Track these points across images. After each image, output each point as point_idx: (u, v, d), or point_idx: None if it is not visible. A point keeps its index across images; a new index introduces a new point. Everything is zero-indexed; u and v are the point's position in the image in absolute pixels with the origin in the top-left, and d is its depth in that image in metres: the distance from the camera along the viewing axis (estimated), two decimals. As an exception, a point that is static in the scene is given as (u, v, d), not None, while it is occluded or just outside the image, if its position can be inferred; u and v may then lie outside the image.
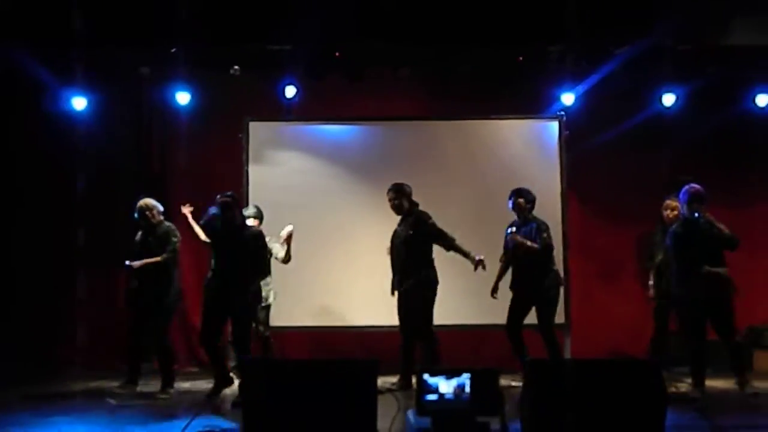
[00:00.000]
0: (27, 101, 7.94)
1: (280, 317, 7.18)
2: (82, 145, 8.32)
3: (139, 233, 6.64)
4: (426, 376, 4.29)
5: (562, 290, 7.04)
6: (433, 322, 6.64)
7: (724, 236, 6.16)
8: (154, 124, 8.71)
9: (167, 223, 6.62)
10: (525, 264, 6.80)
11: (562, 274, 7.22)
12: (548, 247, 6.79)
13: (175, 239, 6.50)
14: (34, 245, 8.16)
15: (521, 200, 6.87)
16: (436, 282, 6.69)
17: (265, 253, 6.51)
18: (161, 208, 6.66)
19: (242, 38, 7.69)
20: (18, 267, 8.01)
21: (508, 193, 6.98)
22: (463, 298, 7.47)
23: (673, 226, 6.48)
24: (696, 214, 6.15)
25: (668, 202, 7.07)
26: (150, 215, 6.54)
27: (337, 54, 7.93)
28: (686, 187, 6.29)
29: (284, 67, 7.86)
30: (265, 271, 6.58)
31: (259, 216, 7.04)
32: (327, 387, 4.24)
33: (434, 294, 6.66)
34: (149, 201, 6.62)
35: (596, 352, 7.90)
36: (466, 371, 4.29)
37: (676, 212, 6.84)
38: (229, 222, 6.28)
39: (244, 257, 6.24)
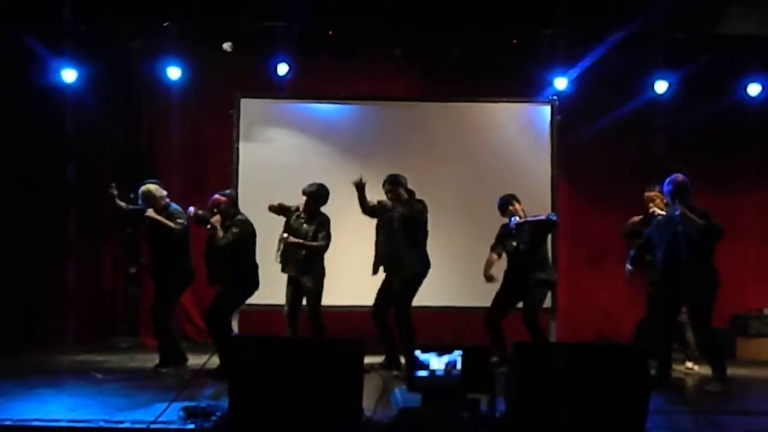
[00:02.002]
0: (16, 72, 7.86)
1: (267, 296, 7.15)
2: (70, 117, 8.27)
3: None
4: (417, 353, 4.31)
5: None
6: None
7: (700, 228, 5.76)
8: (143, 99, 8.66)
9: (174, 206, 6.49)
10: (523, 262, 6.74)
11: (549, 258, 7.24)
12: (555, 223, 6.86)
13: (180, 220, 6.39)
14: (21, 218, 8.12)
15: (519, 205, 6.81)
16: (425, 272, 6.71)
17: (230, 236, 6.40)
18: (164, 192, 6.50)
19: (235, 14, 7.64)
20: (4, 240, 7.97)
21: (498, 177, 7.00)
22: (450, 280, 7.49)
23: (658, 218, 6.22)
24: (676, 212, 5.86)
25: (648, 194, 6.71)
26: (153, 202, 6.41)
27: (330, 32, 7.89)
28: (670, 177, 6.01)
29: (277, 44, 7.81)
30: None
31: (310, 194, 6.70)
32: (313, 365, 4.25)
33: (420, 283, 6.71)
34: (151, 188, 6.46)
35: (581, 336, 7.96)
36: (458, 348, 4.31)
37: (658, 201, 6.51)
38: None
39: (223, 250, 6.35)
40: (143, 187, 6.49)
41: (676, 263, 5.92)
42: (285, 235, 6.66)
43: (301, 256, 6.65)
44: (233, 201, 6.59)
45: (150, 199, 6.43)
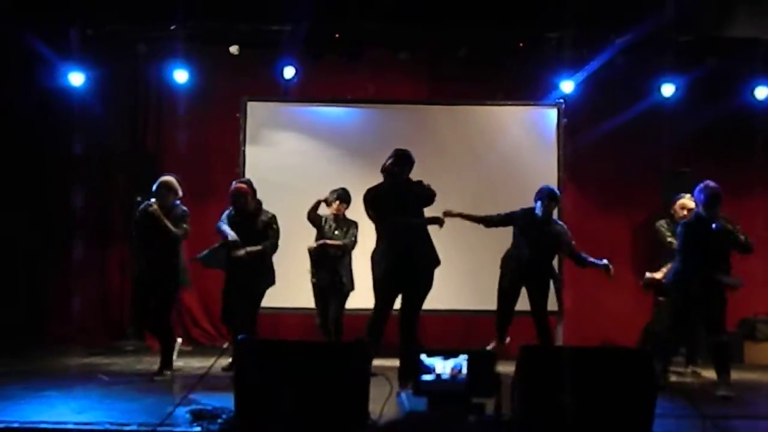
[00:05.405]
0: (23, 75, 7.89)
1: (275, 299, 7.17)
2: (77, 120, 8.30)
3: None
4: (423, 357, 4.30)
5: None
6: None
7: (740, 243, 5.96)
8: (150, 102, 8.69)
9: (183, 207, 6.45)
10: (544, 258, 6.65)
11: (556, 262, 7.26)
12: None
13: (185, 224, 6.35)
14: (28, 221, 8.14)
15: (554, 204, 6.65)
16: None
17: (275, 237, 6.49)
18: (180, 192, 6.44)
19: (242, 17, 7.65)
20: (11, 243, 7.99)
21: (505, 180, 6.98)
22: (456, 283, 7.48)
23: (687, 219, 6.28)
24: (714, 225, 5.86)
25: (684, 201, 6.79)
26: (165, 196, 6.31)
27: (336, 35, 7.90)
28: (702, 185, 6.00)
29: (283, 47, 7.83)
30: (269, 246, 6.50)
31: (344, 198, 6.88)
32: (320, 368, 4.24)
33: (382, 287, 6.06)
34: (168, 180, 6.39)
35: (587, 339, 7.94)
36: (464, 353, 4.30)
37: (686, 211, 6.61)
38: (240, 208, 6.38)
39: (254, 242, 6.37)
40: (162, 178, 6.42)
41: (701, 271, 5.95)
42: (323, 241, 6.78)
43: (340, 262, 6.78)
44: (254, 189, 6.56)
45: (164, 189, 6.31)
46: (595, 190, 8.47)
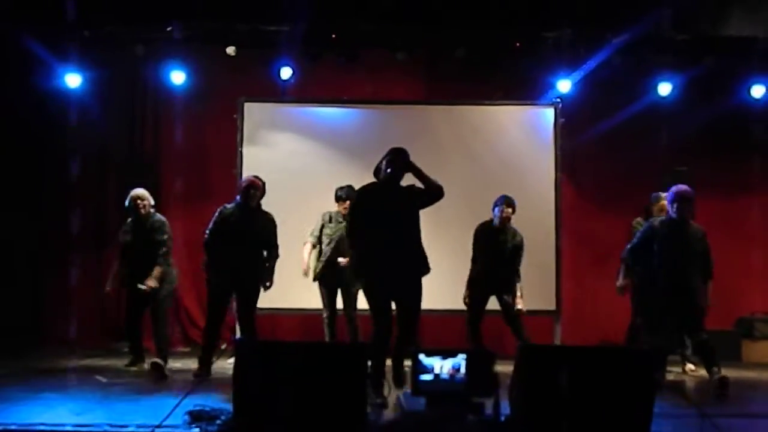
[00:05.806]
0: (20, 76, 7.88)
1: (272, 299, 7.17)
2: (75, 122, 8.29)
3: (129, 221, 6.62)
4: (421, 356, 4.30)
5: None
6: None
7: (708, 261, 6.04)
8: (147, 103, 8.68)
9: (159, 215, 6.59)
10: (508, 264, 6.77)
11: (554, 261, 7.34)
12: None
13: (165, 235, 6.50)
14: (26, 223, 8.13)
15: (510, 210, 6.74)
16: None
17: (274, 236, 6.48)
18: (152, 201, 6.64)
19: (238, 18, 7.66)
20: (8, 244, 7.98)
21: (502, 180, 7.02)
22: (454, 283, 7.46)
23: (654, 222, 6.26)
24: (690, 221, 5.95)
25: (665, 203, 6.65)
26: (141, 205, 6.51)
27: (333, 36, 7.90)
28: (674, 187, 6.05)
29: (280, 48, 7.83)
30: (274, 255, 6.50)
31: (352, 197, 6.70)
32: (318, 369, 4.25)
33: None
34: (142, 192, 6.59)
35: (585, 338, 7.95)
36: (462, 352, 4.31)
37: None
38: (246, 201, 6.34)
39: (254, 239, 6.35)
40: (133, 192, 6.59)
41: (680, 274, 5.97)
42: (341, 260, 6.83)
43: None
44: (265, 191, 6.53)
45: (139, 201, 6.51)
46: (593, 190, 8.48)
